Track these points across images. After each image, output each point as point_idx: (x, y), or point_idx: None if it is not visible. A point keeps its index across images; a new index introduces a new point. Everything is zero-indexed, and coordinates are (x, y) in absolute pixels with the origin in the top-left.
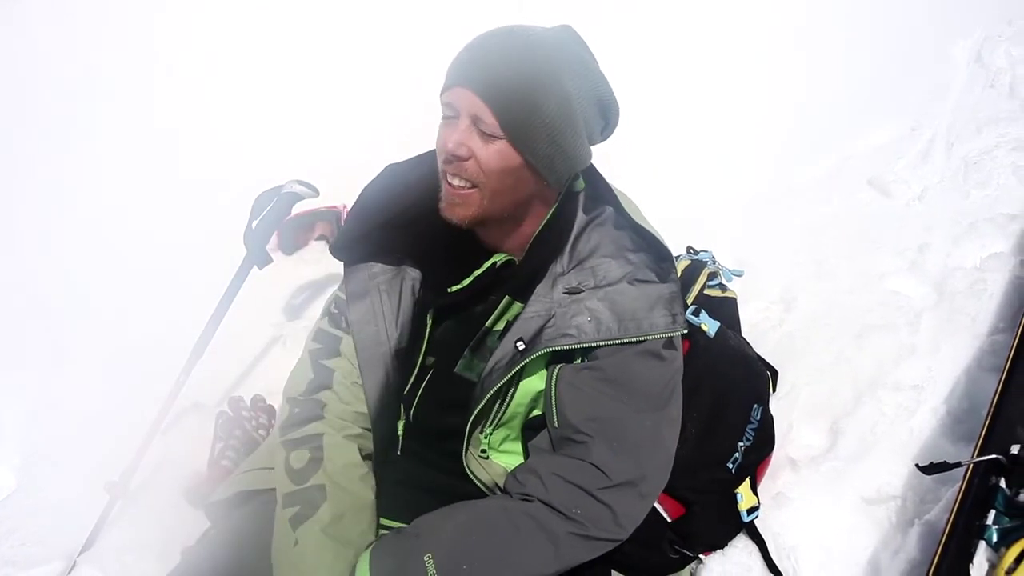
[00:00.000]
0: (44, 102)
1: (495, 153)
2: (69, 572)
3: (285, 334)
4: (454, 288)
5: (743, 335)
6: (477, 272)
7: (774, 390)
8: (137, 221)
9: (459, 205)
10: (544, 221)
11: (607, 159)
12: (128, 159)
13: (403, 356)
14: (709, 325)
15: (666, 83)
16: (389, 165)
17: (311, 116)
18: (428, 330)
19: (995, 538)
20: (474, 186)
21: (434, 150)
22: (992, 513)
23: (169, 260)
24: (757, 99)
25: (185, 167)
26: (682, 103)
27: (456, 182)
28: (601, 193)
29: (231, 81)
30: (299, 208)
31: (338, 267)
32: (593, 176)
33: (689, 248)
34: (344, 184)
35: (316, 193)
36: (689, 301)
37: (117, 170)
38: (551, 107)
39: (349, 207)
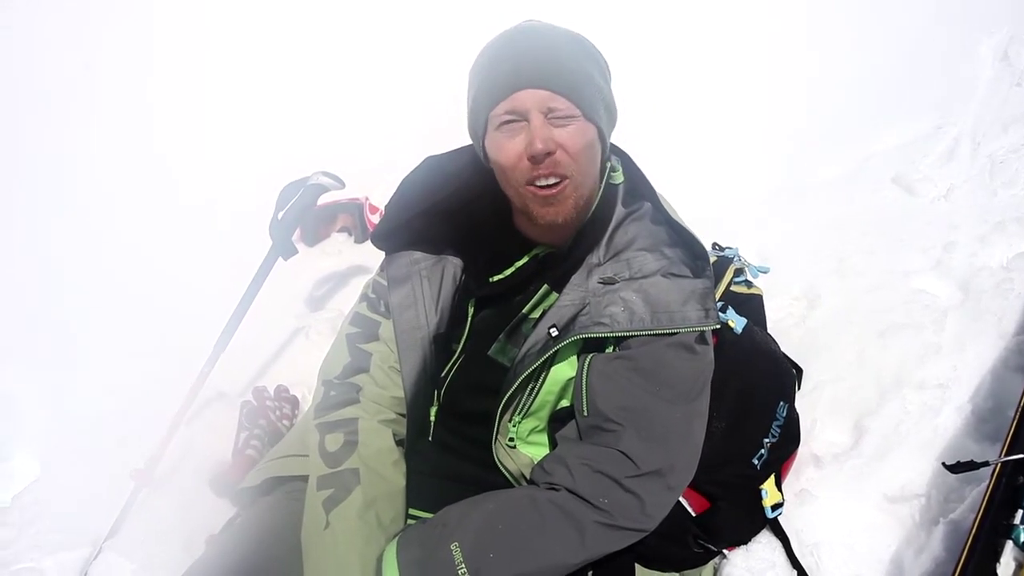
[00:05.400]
0: (47, 95)
1: (576, 132)
2: (94, 559)
3: (308, 325)
4: (495, 278)
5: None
6: (519, 263)
7: (799, 388)
8: (164, 213)
9: (556, 203)
10: (588, 214)
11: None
12: (153, 149)
13: (441, 341)
14: (736, 322)
15: (688, 81)
16: (428, 157)
17: (333, 108)
18: (470, 318)
19: (1022, 538)
20: (565, 178)
21: (471, 145)
22: (1019, 512)
23: (194, 253)
24: (780, 96)
25: (210, 158)
26: (704, 101)
27: (550, 181)
28: (639, 188)
29: (255, 74)
30: (322, 200)
31: (360, 259)
32: (632, 170)
33: (715, 245)
34: (366, 176)
35: (342, 185)
36: (716, 297)
37: (144, 161)
38: (597, 74)
39: (371, 199)
